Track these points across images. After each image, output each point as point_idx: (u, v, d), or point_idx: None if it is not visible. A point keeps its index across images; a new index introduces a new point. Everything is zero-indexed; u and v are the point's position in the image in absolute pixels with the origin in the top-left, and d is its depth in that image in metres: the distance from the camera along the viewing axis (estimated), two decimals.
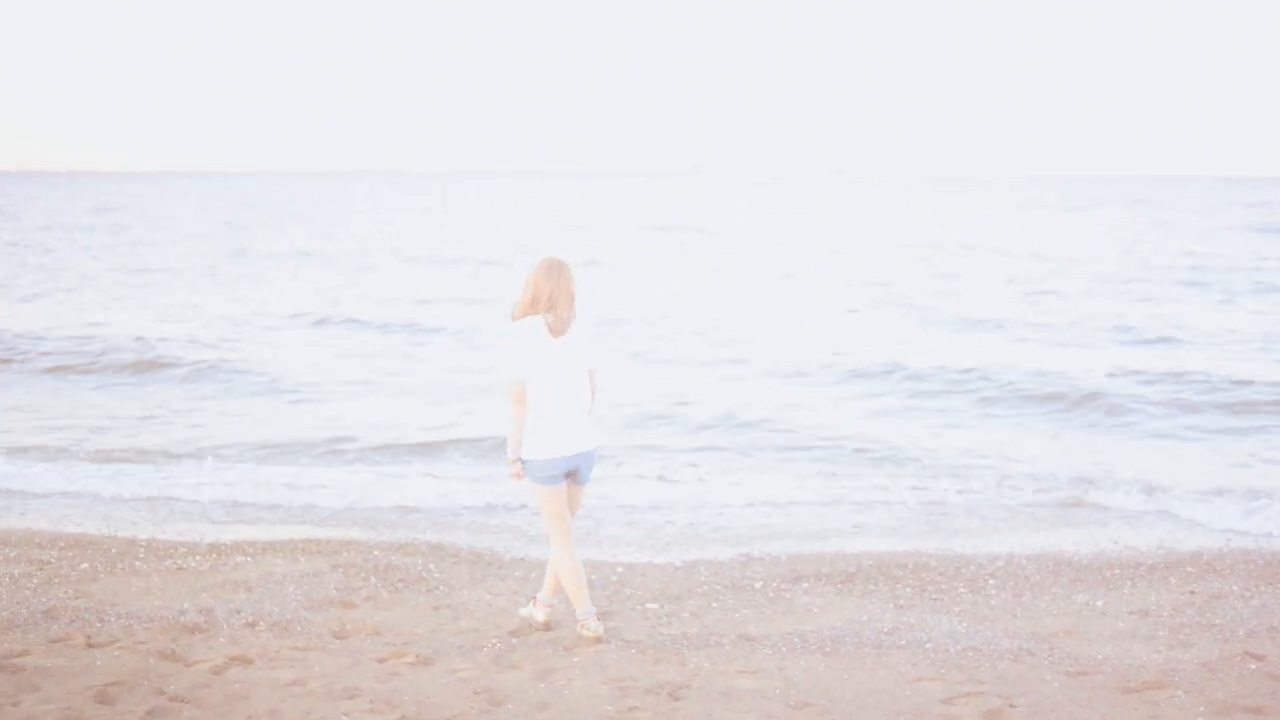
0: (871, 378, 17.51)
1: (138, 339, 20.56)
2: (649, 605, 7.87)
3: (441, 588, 8.29)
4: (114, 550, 9.20)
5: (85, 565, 8.74)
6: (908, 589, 8.36)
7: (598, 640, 7.05)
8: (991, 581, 8.55)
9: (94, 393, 16.85)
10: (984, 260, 39.83)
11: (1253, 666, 6.65)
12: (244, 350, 20.20)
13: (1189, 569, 8.83)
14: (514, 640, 7.09)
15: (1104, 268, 36.20)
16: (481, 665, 6.63)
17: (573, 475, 7.10)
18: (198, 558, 9.03)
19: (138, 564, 8.84)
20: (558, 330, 6.90)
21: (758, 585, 8.35)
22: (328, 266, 37.70)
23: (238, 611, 7.60)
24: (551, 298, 6.90)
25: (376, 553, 9.19)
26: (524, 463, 7.02)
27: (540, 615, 7.38)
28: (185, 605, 7.74)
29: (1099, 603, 8.08)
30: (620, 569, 8.80)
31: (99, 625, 7.28)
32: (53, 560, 8.85)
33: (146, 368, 18.44)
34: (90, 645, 6.88)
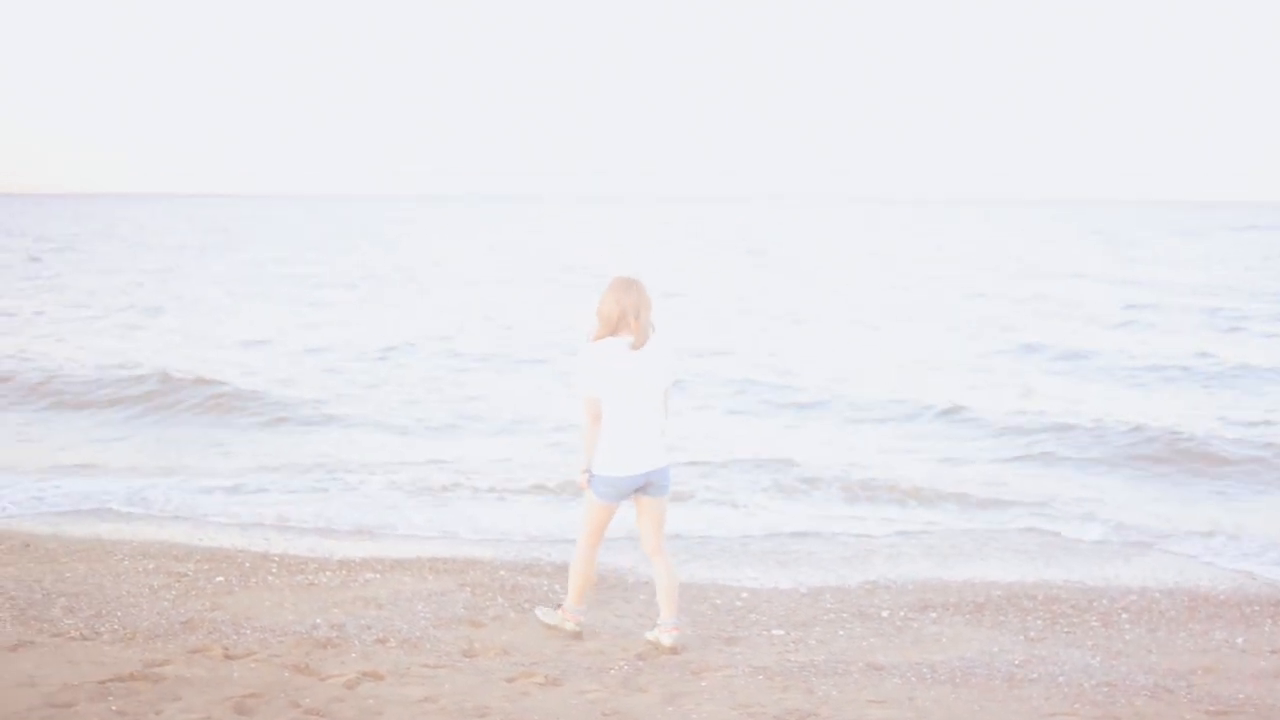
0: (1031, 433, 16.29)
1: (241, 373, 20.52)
2: (775, 631, 7.84)
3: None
4: (247, 564, 9.41)
5: (220, 578, 8.96)
6: (1039, 621, 8.21)
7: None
8: (1125, 615, 8.36)
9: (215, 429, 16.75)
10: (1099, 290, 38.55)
11: None
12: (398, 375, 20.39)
13: None
14: (640, 663, 7.11)
15: None
16: (609, 687, 6.66)
17: (645, 490, 7.25)
18: (328, 574, 9.19)
19: (270, 578, 9.03)
20: (638, 344, 7.03)
21: (884, 614, 8.27)
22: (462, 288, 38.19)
23: (369, 628, 7.73)
24: (627, 314, 7.03)
25: (503, 572, 9.28)
26: (591, 475, 7.21)
27: (569, 625, 7.67)
28: (317, 620, 7.89)
29: (1239, 640, 7.86)
30: (745, 594, 8.78)
31: (235, 637, 7.46)
32: (189, 573, 9.08)
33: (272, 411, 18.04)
34: (228, 657, 7.05)
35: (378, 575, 9.14)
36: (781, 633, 7.81)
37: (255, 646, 7.26)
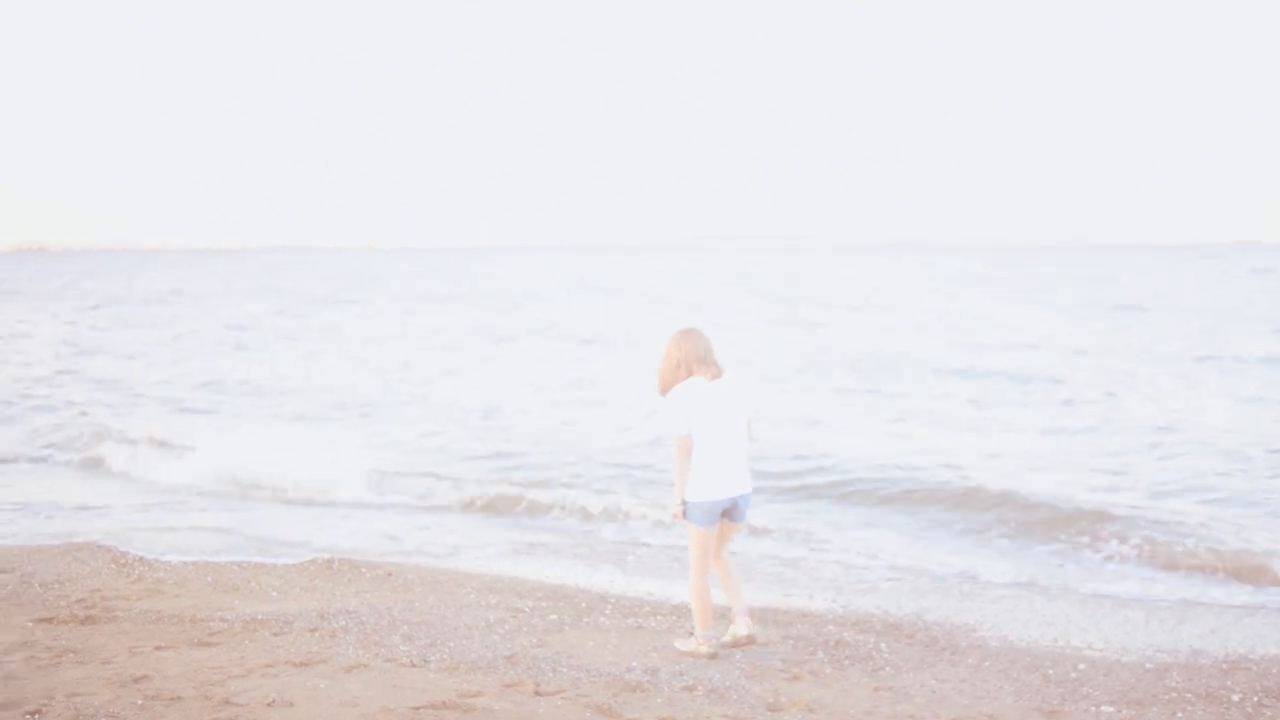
0: None
1: None
2: (1104, 708, 7.24)
3: (888, 669, 8.04)
4: (584, 604, 9.64)
5: (554, 616, 9.21)
6: None
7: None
8: None
9: None
10: None
11: None
12: None
13: None
14: None
15: None
16: None
17: (729, 513, 7.97)
18: (659, 618, 9.27)
19: (602, 619, 9.20)
20: (715, 375, 7.79)
21: (1235, 698, 7.48)
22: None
23: (681, 674, 7.71)
24: (686, 360, 7.79)
25: (830, 627, 9.08)
26: (686, 504, 7.85)
27: (743, 630, 8.16)
28: (634, 663, 7.95)
29: None
30: (1083, 665, 8.18)
31: (550, 674, 7.62)
32: (526, 610, 9.39)
33: None
34: (538, 693, 7.21)
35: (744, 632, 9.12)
36: (1112, 710, 7.21)
37: (567, 685, 7.39)
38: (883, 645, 8.58)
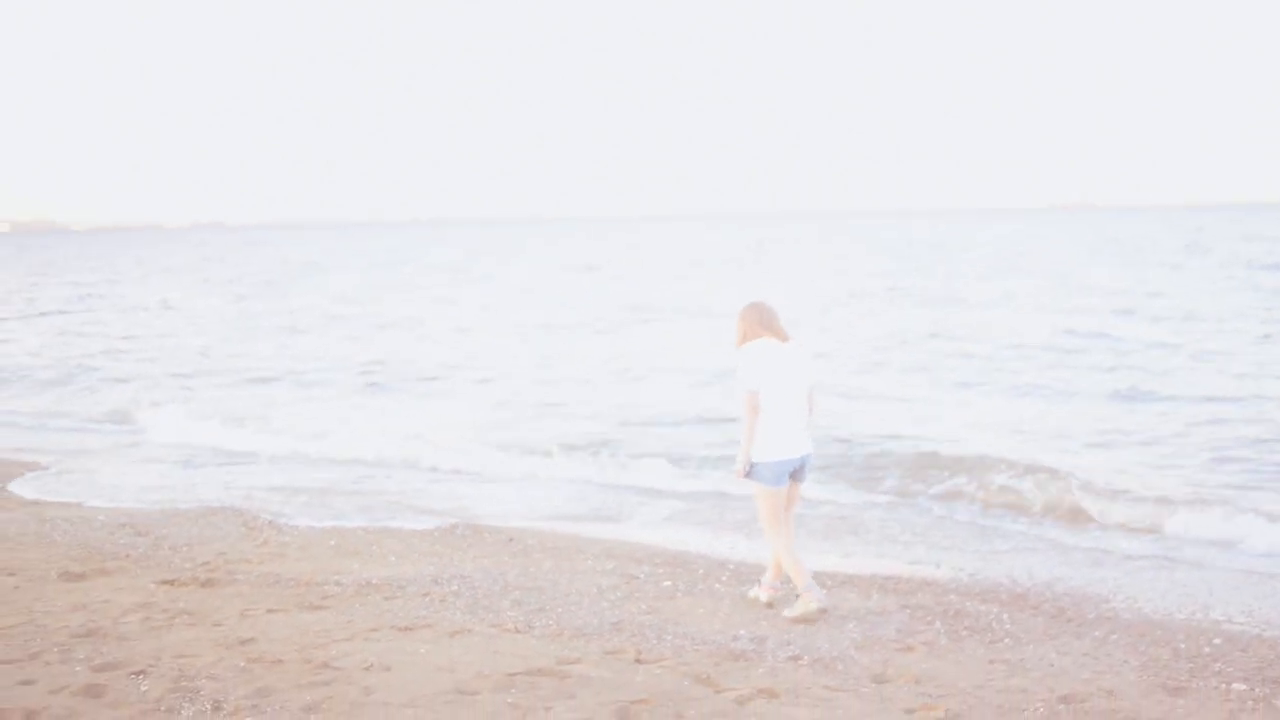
0: None
1: None
2: (1235, 685, 6.79)
3: (1007, 640, 7.69)
4: (701, 570, 9.47)
5: (668, 583, 9.06)
6: None
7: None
8: None
9: None
10: None
11: None
12: None
13: None
14: (1061, 706, 6.40)
15: None
16: None
17: (795, 475, 8.11)
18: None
19: (718, 586, 9.02)
20: (784, 336, 8.01)
21: None
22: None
23: (789, 643, 7.50)
24: (763, 322, 7.99)
25: (952, 596, 8.75)
26: (754, 465, 7.94)
27: (764, 596, 8.40)
28: (741, 632, 7.76)
29: None
30: (1218, 640, 7.71)
31: (654, 642, 7.48)
32: (640, 576, 9.26)
33: None
34: (638, 660, 7.08)
35: (825, 590, 8.89)
36: (1243, 688, 6.77)
37: (669, 653, 7.25)
38: (1005, 616, 8.23)
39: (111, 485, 13.40)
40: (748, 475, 8.01)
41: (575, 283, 53.55)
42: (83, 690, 6.34)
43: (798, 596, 8.20)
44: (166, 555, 9.77)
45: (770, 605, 8.35)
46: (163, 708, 6.14)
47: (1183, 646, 7.52)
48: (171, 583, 8.77)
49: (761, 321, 8.02)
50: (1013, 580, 9.33)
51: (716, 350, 24.02)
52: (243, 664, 6.81)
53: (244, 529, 10.85)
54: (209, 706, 6.16)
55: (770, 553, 8.37)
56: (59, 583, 8.74)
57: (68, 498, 12.57)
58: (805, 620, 8.00)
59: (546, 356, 25.84)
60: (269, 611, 7.97)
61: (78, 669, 6.69)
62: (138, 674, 6.62)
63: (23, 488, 13.15)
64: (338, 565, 9.50)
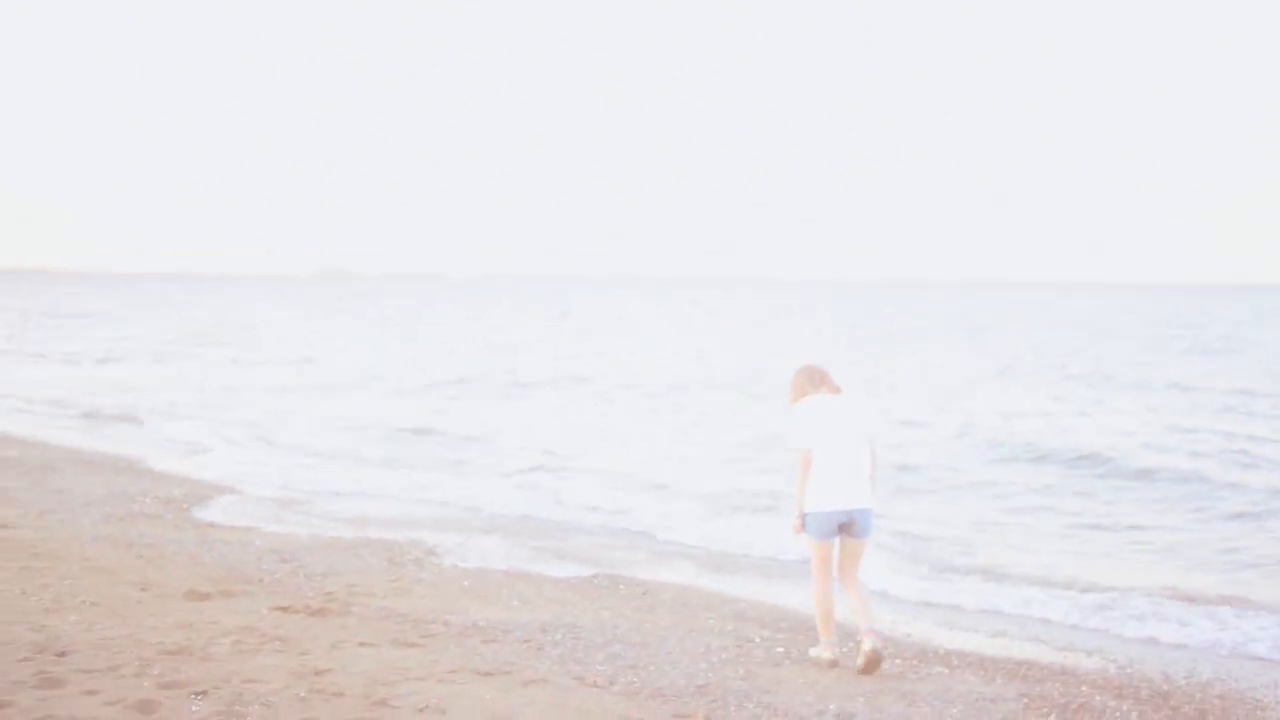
0: None
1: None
2: None
3: None
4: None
5: (781, 649, 8.63)
6: None
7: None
8: None
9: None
10: None
11: None
12: None
13: None
14: None
15: None
16: None
17: (847, 528, 7.96)
18: (894, 662, 8.49)
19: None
20: (835, 389, 8.07)
21: None
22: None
23: None
24: (813, 379, 8.11)
25: (1084, 688, 8.03)
26: (804, 516, 7.93)
27: (826, 654, 8.17)
28: (830, 706, 7.28)
29: None
30: None
31: (731, 709, 7.10)
32: (756, 640, 8.87)
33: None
34: None
35: (944, 670, 8.32)
36: None
37: None
38: (1134, 714, 7.49)
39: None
40: (804, 528, 8.02)
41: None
42: (136, 705, 6.42)
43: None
44: (298, 582, 9.95)
45: (835, 663, 8.16)
46: None
47: (1261, 681, 6.67)
48: (285, 609, 8.88)
49: (811, 380, 8.16)
50: (1165, 677, 8.51)
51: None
52: (303, 694, 6.78)
53: (386, 563, 10.98)
54: None
55: (816, 610, 8.25)
56: (181, 600, 8.98)
57: (242, 521, 13.02)
58: (815, 664, 8.17)
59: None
60: (360, 645, 7.96)
61: (145, 684, 6.79)
62: (199, 694, 6.67)
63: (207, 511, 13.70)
64: (458, 605, 9.46)
